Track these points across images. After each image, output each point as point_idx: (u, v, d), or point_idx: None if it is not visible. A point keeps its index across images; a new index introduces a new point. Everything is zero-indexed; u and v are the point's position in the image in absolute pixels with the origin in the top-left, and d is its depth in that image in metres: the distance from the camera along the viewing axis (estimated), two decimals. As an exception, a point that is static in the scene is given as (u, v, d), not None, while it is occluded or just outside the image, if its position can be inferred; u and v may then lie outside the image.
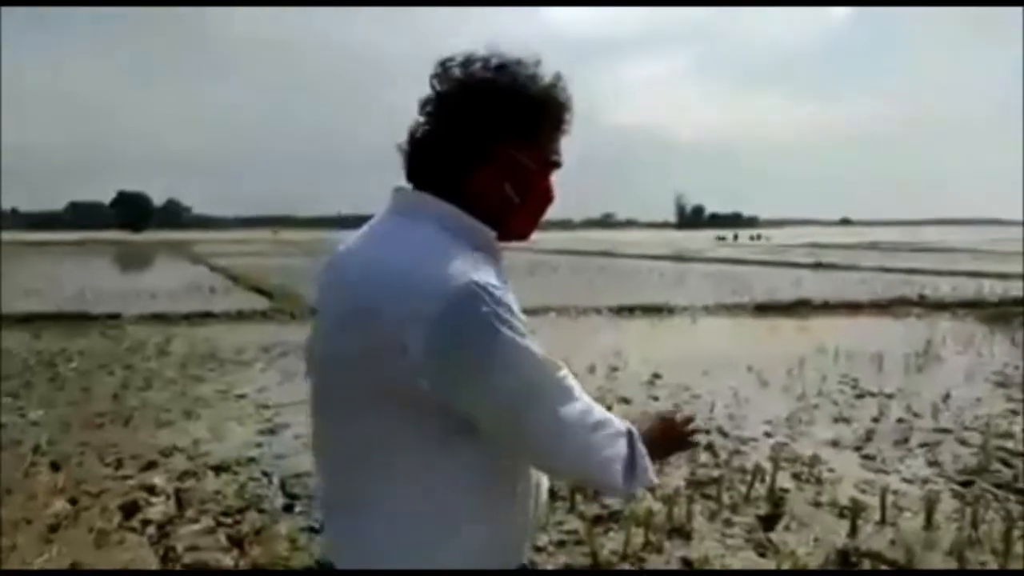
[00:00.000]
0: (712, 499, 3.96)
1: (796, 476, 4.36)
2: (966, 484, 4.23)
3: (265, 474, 4.41)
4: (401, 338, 1.00)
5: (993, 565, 3.26)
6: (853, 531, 3.57)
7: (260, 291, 15.40)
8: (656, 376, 7.19)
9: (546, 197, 1.19)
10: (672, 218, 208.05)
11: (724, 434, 5.23)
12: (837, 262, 25.29)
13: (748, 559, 3.34)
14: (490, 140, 1.11)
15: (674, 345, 9.46)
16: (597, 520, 3.66)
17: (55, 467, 4.51)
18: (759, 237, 72.33)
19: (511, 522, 1.17)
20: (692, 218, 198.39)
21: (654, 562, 3.29)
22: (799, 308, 12.78)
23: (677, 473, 4.34)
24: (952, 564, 3.27)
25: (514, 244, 1.19)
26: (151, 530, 3.62)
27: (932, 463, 4.64)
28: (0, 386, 6.71)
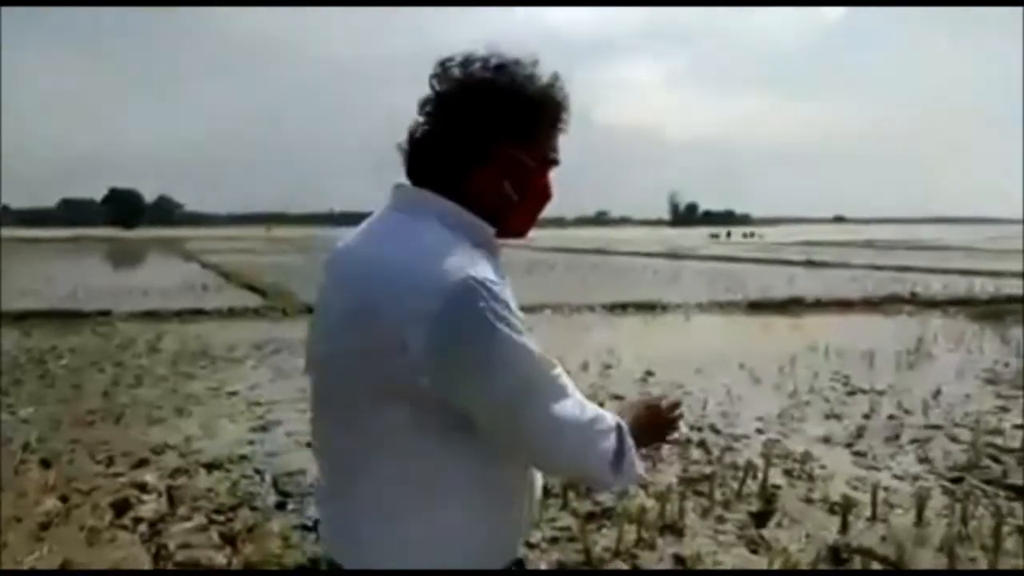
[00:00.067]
0: (704, 496, 3.97)
1: (788, 473, 4.38)
2: (956, 480, 4.26)
3: (257, 472, 4.40)
4: (401, 336, 1.01)
5: (983, 561, 3.28)
6: (844, 527, 3.59)
7: (252, 288, 15.36)
8: (649, 373, 7.22)
9: (544, 194, 1.20)
10: (666, 216, 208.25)
11: (716, 431, 5.25)
12: (829, 260, 25.39)
13: (740, 555, 3.35)
14: (489, 140, 1.12)
15: (667, 342, 9.49)
16: (590, 517, 3.66)
17: (46, 465, 4.49)
18: (752, 235, 72.50)
19: (508, 518, 1.18)
20: (686, 216, 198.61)
21: (647, 559, 3.30)
22: (792, 306, 12.83)
23: (670, 470, 4.36)
24: (942, 560, 3.29)
25: (511, 241, 1.20)
26: (143, 528, 3.60)
27: (923, 460, 4.66)
28: (-10, 383, 6.67)
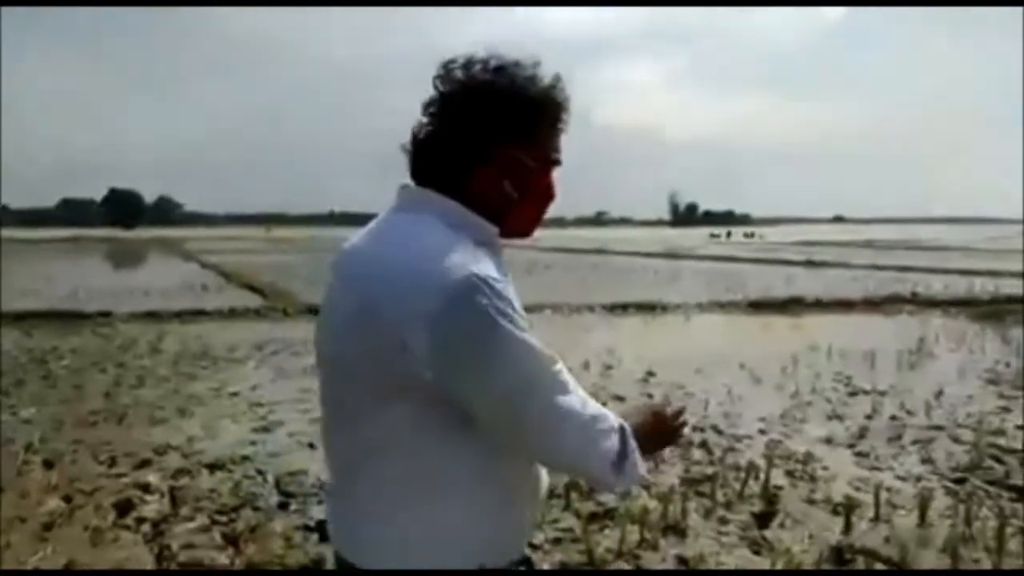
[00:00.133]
0: (707, 497, 3.97)
1: (790, 473, 4.38)
2: (959, 481, 4.26)
3: (259, 472, 4.40)
4: (401, 336, 1.01)
5: (986, 562, 3.27)
6: (847, 528, 3.59)
7: (252, 288, 15.36)
8: (650, 374, 7.21)
9: (547, 194, 1.21)
10: (666, 216, 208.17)
11: (718, 432, 5.25)
12: (830, 260, 25.38)
13: (743, 556, 3.35)
14: (490, 141, 1.13)
15: (668, 343, 9.49)
16: (592, 518, 3.66)
17: (48, 465, 4.49)
18: (753, 235, 72.48)
19: (510, 517, 1.18)
20: (686, 216, 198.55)
21: (649, 560, 3.30)
22: (792, 306, 12.83)
23: (672, 471, 4.35)
24: (946, 561, 3.28)
25: (514, 242, 1.21)
26: (146, 528, 3.60)
27: (925, 460, 4.66)
28: (-8, 384, 6.67)
